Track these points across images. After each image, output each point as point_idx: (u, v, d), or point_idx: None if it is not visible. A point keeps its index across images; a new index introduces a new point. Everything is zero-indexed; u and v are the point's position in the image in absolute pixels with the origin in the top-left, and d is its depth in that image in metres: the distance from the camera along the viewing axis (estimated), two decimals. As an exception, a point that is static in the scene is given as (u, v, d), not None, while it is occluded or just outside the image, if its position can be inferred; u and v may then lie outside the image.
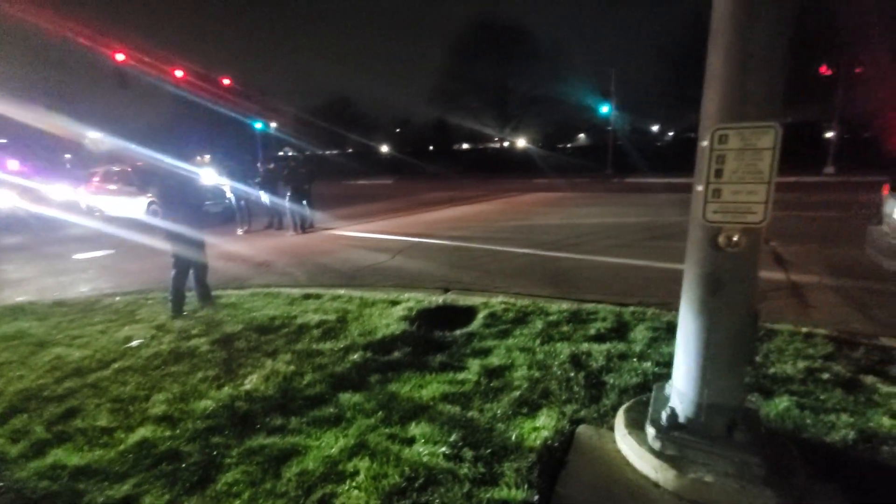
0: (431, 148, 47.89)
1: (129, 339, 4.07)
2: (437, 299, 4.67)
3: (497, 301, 4.41)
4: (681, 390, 2.06)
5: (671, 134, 41.20)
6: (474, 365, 3.14)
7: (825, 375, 2.84)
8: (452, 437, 2.31)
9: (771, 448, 2.00)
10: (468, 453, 2.19)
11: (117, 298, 5.52)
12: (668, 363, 2.94)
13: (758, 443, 1.94)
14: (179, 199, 4.80)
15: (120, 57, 15.10)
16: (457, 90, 39.96)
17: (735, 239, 1.79)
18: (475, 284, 5.46)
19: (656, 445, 2.04)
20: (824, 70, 19.90)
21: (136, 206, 12.40)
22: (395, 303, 4.56)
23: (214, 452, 2.37)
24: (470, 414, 2.55)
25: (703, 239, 1.87)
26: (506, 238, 8.49)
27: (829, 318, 4.04)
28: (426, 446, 2.26)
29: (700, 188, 1.83)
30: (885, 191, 4.87)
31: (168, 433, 2.57)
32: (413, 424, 2.48)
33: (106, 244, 9.95)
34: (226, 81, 21.69)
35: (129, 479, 2.22)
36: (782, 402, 2.54)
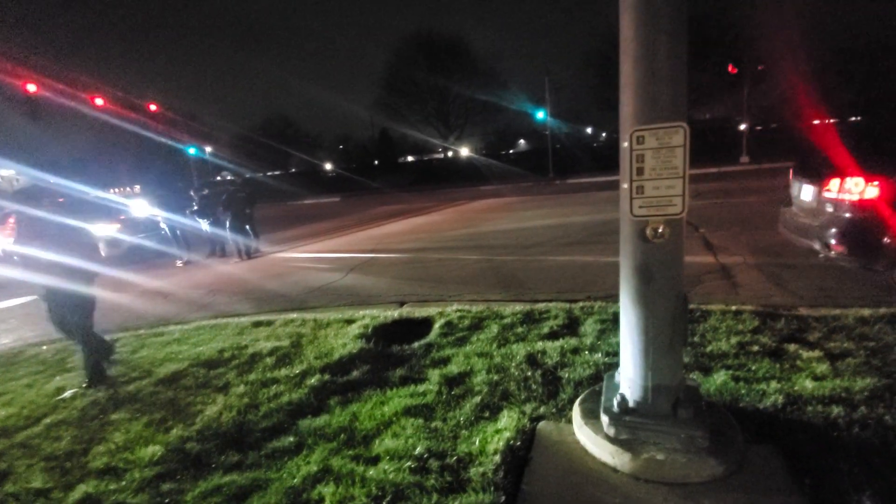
0: (376, 162, 47.72)
1: (60, 389, 3.76)
2: (393, 314, 4.65)
3: (452, 309, 4.45)
4: (628, 376, 2.18)
5: (604, 135, 43.36)
6: (434, 375, 3.15)
7: (755, 348, 3.09)
8: (417, 450, 2.31)
9: (712, 420, 2.14)
10: (434, 464, 2.20)
11: (44, 347, 5.09)
12: (616, 352, 3.09)
13: (700, 417, 2.08)
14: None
15: (31, 87, 14.05)
16: (399, 102, 40.33)
17: (660, 230, 1.93)
18: (430, 295, 5.48)
19: (611, 432, 2.13)
20: (731, 69, 21.72)
21: (60, 245, 11.48)
22: (350, 321, 4.50)
23: (167, 500, 2.24)
24: (433, 424, 2.56)
25: (633, 233, 2.00)
26: (456, 246, 8.60)
27: (754, 294, 4.39)
28: (391, 463, 2.24)
29: (625, 186, 1.96)
30: (792, 175, 5.37)
31: (113, 486, 2.40)
32: (377, 442, 2.46)
33: (26, 290, 9.14)
34: (152, 107, 20.66)
35: (72, 542, 2.06)
36: (719, 377, 2.74)
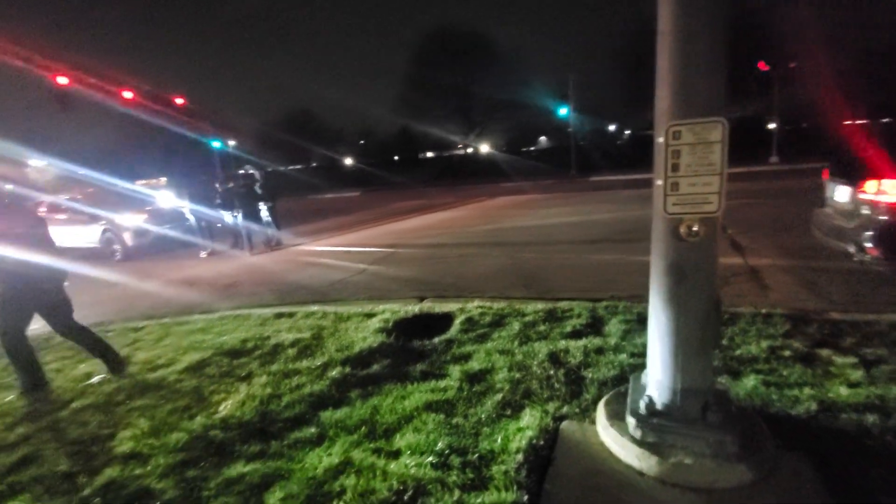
0: (396, 158, 47.86)
1: (88, 375, 3.86)
2: (413, 308, 4.65)
3: (473, 306, 4.43)
4: (656, 378, 2.12)
5: (628, 132, 42.65)
6: (455, 371, 3.14)
7: (786, 352, 2.99)
8: (439, 446, 2.29)
9: (742, 425, 2.08)
10: (456, 460, 2.18)
11: (74, 333, 5.23)
12: (642, 353, 3.02)
13: (730, 421, 2.02)
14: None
15: (63, 80, 14.45)
16: (420, 99, 40.27)
17: (695, 229, 1.87)
18: (450, 290, 5.46)
19: (637, 434, 2.08)
20: (762, 66, 21.10)
21: (89, 235, 11.82)
22: (370, 315, 4.51)
23: (190, 487, 2.27)
24: (455, 421, 2.54)
25: (666, 231, 1.94)
26: (477, 242, 8.55)
27: (784, 297, 4.26)
28: (413, 457, 2.23)
29: (659, 182, 1.90)
30: (826, 176, 5.18)
31: (138, 471, 2.44)
32: (398, 436, 2.46)
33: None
34: (179, 101, 21.05)
35: (98, 525, 2.10)
36: (749, 381, 2.66)
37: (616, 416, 2.26)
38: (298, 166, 48.73)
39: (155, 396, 3.32)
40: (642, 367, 2.71)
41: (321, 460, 2.33)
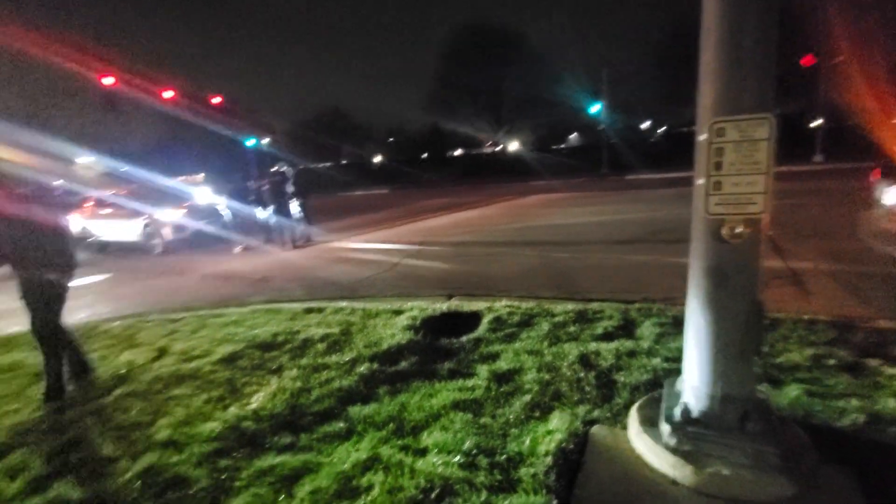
0: (425, 155, 48.01)
1: (130, 363, 4.02)
2: (441, 306, 4.65)
3: (501, 305, 4.39)
4: (693, 384, 2.05)
5: (662, 130, 41.50)
6: (483, 371, 3.12)
7: (831, 361, 2.85)
8: (466, 445, 2.28)
9: (784, 436, 1.99)
10: (483, 461, 2.16)
11: (116, 323, 5.47)
12: (677, 358, 2.93)
13: (771, 432, 1.94)
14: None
15: (109, 80, 15.10)
16: (450, 96, 40.20)
17: (738, 230, 1.79)
18: (478, 289, 5.44)
19: (672, 442, 2.02)
20: (807, 61, 20.14)
21: (132, 229, 12.34)
22: (398, 312, 4.54)
23: (223, 476, 2.33)
24: (482, 420, 2.52)
25: (707, 232, 1.87)
26: (506, 241, 8.49)
27: (828, 304, 4.05)
28: (440, 456, 2.23)
29: (701, 181, 1.83)
30: (876, 176, 4.91)
31: (174, 458, 2.52)
32: (425, 434, 2.46)
33: (102, 269, 9.89)
34: (216, 100, 21.71)
35: (137, 509, 2.18)
36: (792, 391, 2.55)
37: (649, 423, 2.19)
38: (328, 164, 49.49)
39: (191, 386, 3.43)
40: (677, 372, 2.62)
41: (349, 455, 2.35)
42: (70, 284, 3.82)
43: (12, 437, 2.98)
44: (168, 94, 17.98)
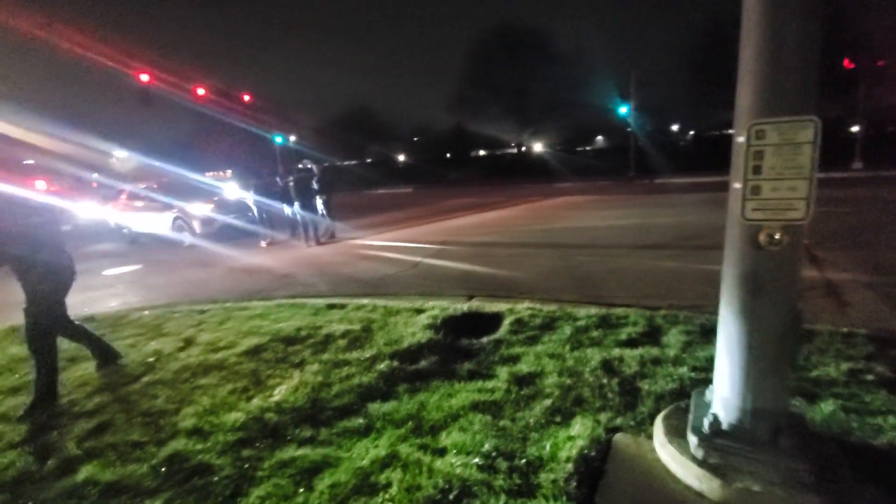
0: (448, 155, 48.04)
1: (157, 352, 4.13)
2: (462, 306, 4.63)
3: (523, 307, 4.35)
4: (723, 396, 1.98)
5: (692, 133, 40.54)
6: (503, 372, 3.09)
7: (868, 377, 2.72)
8: (485, 448, 2.26)
9: (817, 453, 1.91)
10: (502, 464, 2.14)
11: (145, 312, 5.63)
12: (705, 368, 2.85)
13: (804, 448, 1.86)
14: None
15: (144, 77, 15.58)
16: (476, 97, 40.06)
17: (777, 237, 1.72)
18: (500, 290, 5.40)
19: (699, 454, 1.96)
20: (847, 64, 19.31)
21: (162, 222, 12.71)
22: (419, 311, 4.54)
23: (246, 465, 2.37)
24: (501, 423, 2.50)
25: (742, 238, 1.80)
26: (529, 243, 8.41)
27: (866, 316, 3.88)
28: (458, 457, 2.22)
29: (737, 185, 1.77)
30: None
31: (199, 446, 2.58)
32: (444, 434, 2.45)
33: (133, 260, 10.22)
34: (246, 97, 22.18)
35: (161, 495, 2.23)
36: (827, 406, 2.44)
37: (675, 433, 2.13)
38: (354, 162, 50.01)
39: (216, 376, 3.50)
40: (705, 382, 2.55)
41: (368, 451, 2.36)
42: (65, 297, 3.65)
43: (46, 419, 3.09)
44: (200, 91, 18.45)
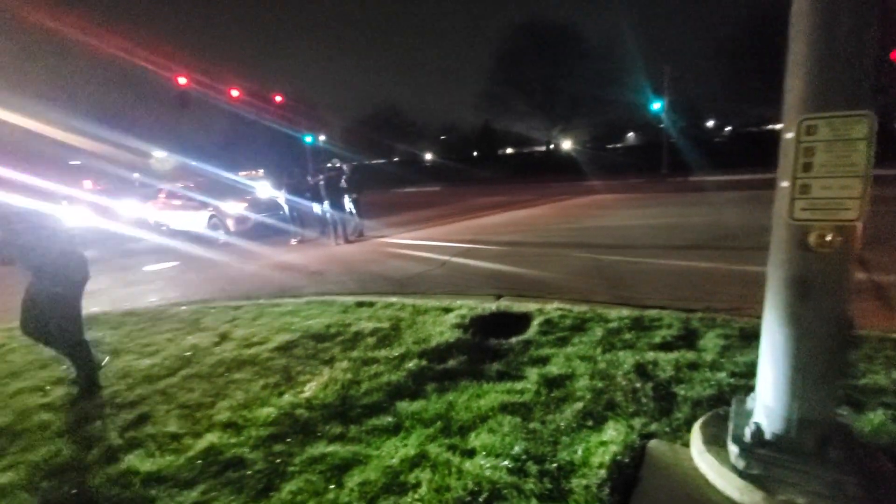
0: (476, 154, 47.90)
1: (194, 346, 4.26)
2: (490, 306, 4.60)
3: (553, 307, 4.28)
4: (766, 404, 1.90)
5: (729, 129, 39.13)
6: (532, 374, 3.05)
7: (922, 386, 2.56)
8: (515, 450, 2.23)
9: (866, 465, 1.81)
10: (533, 467, 2.10)
11: (183, 308, 5.82)
12: (745, 374, 2.74)
13: (852, 460, 1.78)
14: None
15: (182, 80, 16.12)
16: (504, 94, 39.75)
17: (827, 238, 1.63)
18: (528, 290, 5.34)
19: (740, 464, 1.88)
20: (895, 56, 18.21)
21: (198, 220, 13.13)
22: (447, 310, 4.53)
23: (277, 460, 2.41)
24: (532, 426, 2.46)
25: (790, 239, 1.71)
26: (558, 242, 8.29)
27: (921, 322, 3.65)
28: (488, 459, 2.19)
29: (785, 184, 1.68)
30: None
31: (233, 440, 2.64)
32: (473, 435, 2.43)
33: (171, 256, 10.58)
34: (278, 98, 22.67)
35: (198, 486, 2.29)
36: (876, 416, 2.31)
37: (714, 442, 2.05)
38: (381, 160, 50.47)
39: (249, 371, 3.59)
40: (745, 389, 2.45)
41: (397, 450, 2.36)
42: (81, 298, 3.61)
43: (91, 409, 3.23)
44: (234, 92, 18.97)
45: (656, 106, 24.44)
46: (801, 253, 1.69)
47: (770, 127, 33.15)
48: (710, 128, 40.51)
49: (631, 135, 45.14)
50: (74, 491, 2.36)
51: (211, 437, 2.68)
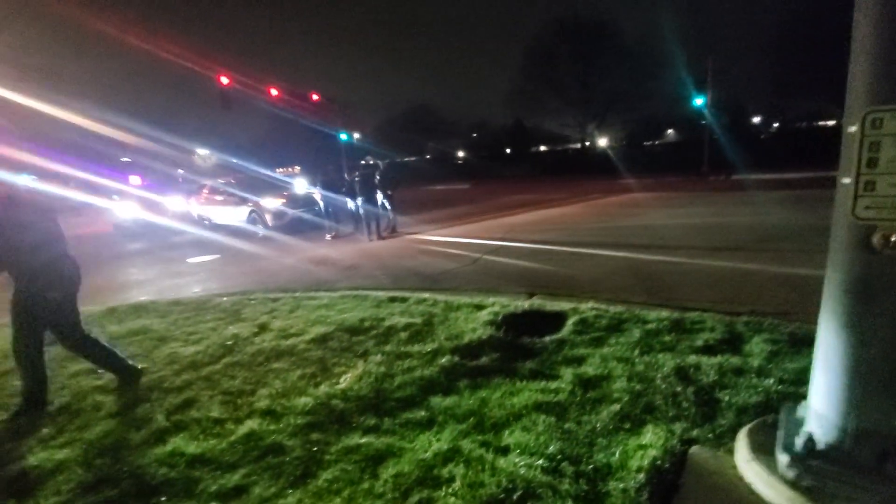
0: (508, 151, 47.52)
1: (235, 336, 4.40)
2: (523, 304, 4.56)
3: (587, 307, 4.20)
4: (820, 413, 1.80)
5: (776, 125, 37.33)
6: (567, 374, 3.00)
7: None
8: (550, 450, 2.20)
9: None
10: (568, 468, 2.07)
11: (224, 299, 6.03)
12: (794, 381, 2.61)
13: (916, 478, 1.65)
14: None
15: (224, 80, 16.67)
16: (536, 91, 39.25)
17: (894, 239, 1.53)
18: (561, 289, 5.26)
19: (790, 474, 1.79)
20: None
21: (239, 215, 13.58)
22: (479, 307, 4.52)
23: (314, 448, 2.47)
24: (566, 426, 2.42)
25: (852, 239, 1.62)
26: (592, 241, 8.13)
27: None
28: (522, 457, 2.17)
29: (847, 181, 1.59)
30: None
31: (272, 427, 2.71)
32: (506, 433, 2.41)
33: (214, 249, 10.98)
34: (314, 97, 23.13)
35: (239, 470, 2.36)
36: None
37: (761, 450, 1.97)
38: (414, 158, 50.75)
39: (287, 361, 3.68)
40: (795, 396, 2.34)
41: (431, 444, 2.37)
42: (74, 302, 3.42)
43: (140, 392, 3.39)
44: (273, 91, 19.48)
45: (698, 101, 23.54)
46: (863, 254, 1.59)
47: (821, 123, 31.42)
48: (755, 124, 38.72)
49: (670, 131, 43.68)
50: (126, 469, 2.48)
51: (251, 424, 2.76)
